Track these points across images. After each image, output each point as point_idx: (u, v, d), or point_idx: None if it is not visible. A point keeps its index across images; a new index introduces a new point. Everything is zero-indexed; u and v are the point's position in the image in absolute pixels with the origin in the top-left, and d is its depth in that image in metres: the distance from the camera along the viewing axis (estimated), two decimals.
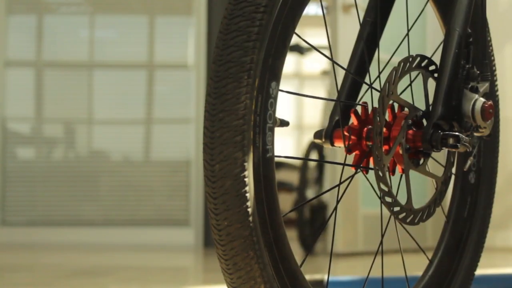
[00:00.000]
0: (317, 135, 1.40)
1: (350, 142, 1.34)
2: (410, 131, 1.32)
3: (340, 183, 1.32)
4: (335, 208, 1.24)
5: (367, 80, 1.39)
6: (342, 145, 1.36)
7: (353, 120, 1.35)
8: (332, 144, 1.39)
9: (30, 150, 5.81)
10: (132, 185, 5.50)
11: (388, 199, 1.29)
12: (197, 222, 5.35)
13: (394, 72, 1.29)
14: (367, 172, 1.37)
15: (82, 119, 5.78)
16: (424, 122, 1.34)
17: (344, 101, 1.37)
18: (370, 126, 1.34)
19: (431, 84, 1.38)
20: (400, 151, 1.30)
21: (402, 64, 1.31)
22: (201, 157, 5.38)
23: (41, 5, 5.87)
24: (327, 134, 1.38)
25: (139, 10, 5.89)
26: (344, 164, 1.34)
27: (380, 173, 1.25)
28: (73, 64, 5.82)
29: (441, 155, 1.42)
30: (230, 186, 1.11)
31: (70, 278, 3.39)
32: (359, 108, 1.38)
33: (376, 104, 1.36)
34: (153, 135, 5.72)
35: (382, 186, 1.26)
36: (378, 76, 1.40)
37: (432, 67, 1.37)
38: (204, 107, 1.16)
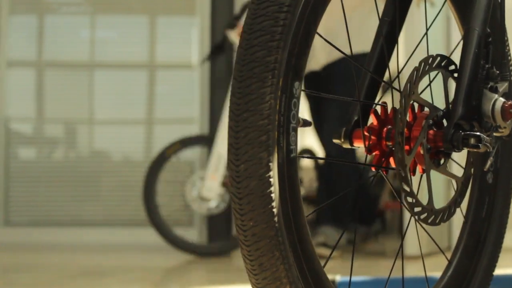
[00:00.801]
0: (336, 135, 1.39)
1: (370, 142, 1.33)
2: (431, 131, 1.32)
3: (359, 183, 1.32)
4: (355, 208, 1.23)
5: (386, 79, 1.38)
6: (361, 145, 1.36)
7: (372, 120, 1.35)
8: (352, 144, 1.38)
9: (31, 150, 5.80)
10: (134, 185, 5.48)
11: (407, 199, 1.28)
12: (200, 222, 5.34)
13: (415, 72, 1.29)
14: (386, 173, 1.36)
15: (83, 119, 5.77)
16: (444, 122, 1.33)
17: (364, 101, 1.37)
18: (389, 126, 1.34)
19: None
20: (421, 151, 1.30)
21: (423, 64, 1.31)
22: (204, 157, 5.37)
23: (41, 5, 5.86)
24: (346, 134, 1.38)
25: (141, 10, 5.88)
26: (365, 165, 1.34)
27: (402, 174, 1.25)
28: (74, 64, 5.81)
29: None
30: (255, 187, 1.11)
31: (74, 278, 3.38)
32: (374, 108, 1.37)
33: (394, 104, 1.35)
34: (155, 135, 5.71)
35: (404, 187, 1.25)
36: (397, 76, 1.39)
37: (451, 67, 1.36)
38: (228, 107, 1.16)
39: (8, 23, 5.72)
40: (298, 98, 1.18)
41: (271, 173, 1.11)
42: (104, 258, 4.37)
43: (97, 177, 5.69)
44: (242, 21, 4.72)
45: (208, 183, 4.37)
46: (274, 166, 1.12)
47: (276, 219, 1.12)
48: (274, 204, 1.11)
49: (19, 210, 5.56)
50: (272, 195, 1.11)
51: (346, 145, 1.39)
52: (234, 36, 4.57)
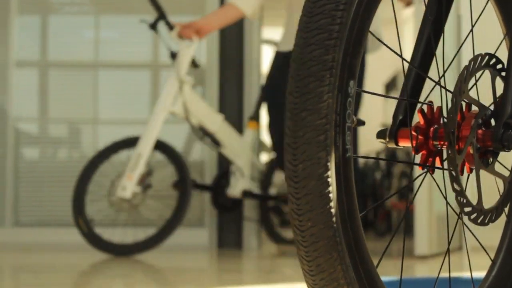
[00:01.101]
0: (381, 134, 1.38)
1: (416, 142, 1.32)
2: (480, 131, 1.31)
3: (410, 182, 1.31)
4: (407, 208, 1.23)
5: (433, 77, 1.38)
6: (407, 144, 1.35)
7: (419, 119, 1.34)
8: (397, 144, 1.37)
9: (36, 150, 5.78)
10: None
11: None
12: (211, 223, 5.32)
13: (466, 71, 1.28)
14: (433, 172, 1.35)
15: (87, 119, 5.75)
16: (492, 121, 1.33)
17: (412, 100, 1.35)
18: (436, 126, 1.33)
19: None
20: (471, 151, 1.29)
21: (472, 62, 1.30)
22: (213, 158, 5.35)
23: (45, 5, 5.83)
24: (391, 133, 1.37)
25: (145, 10, 5.86)
26: (413, 163, 1.33)
27: (454, 173, 1.24)
28: (78, 64, 5.79)
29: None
30: (314, 187, 1.10)
31: (84, 278, 3.36)
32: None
33: (440, 103, 1.35)
34: (159, 135, 5.68)
35: (455, 186, 1.24)
36: (443, 75, 1.38)
37: (499, 66, 1.36)
38: (285, 106, 1.14)
39: (16, 23, 5.70)
40: (353, 97, 1.17)
41: (329, 173, 1.10)
42: (117, 258, 4.36)
43: (101, 177, 5.66)
44: (176, 20, 4.68)
45: (123, 182, 4.35)
46: (332, 166, 1.11)
47: (334, 219, 1.11)
48: (332, 204, 1.11)
49: (27, 210, 5.53)
50: (331, 195, 1.10)
51: (392, 145, 1.38)
52: (175, 36, 4.56)
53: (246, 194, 4.87)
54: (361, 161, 5.66)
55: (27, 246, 4.83)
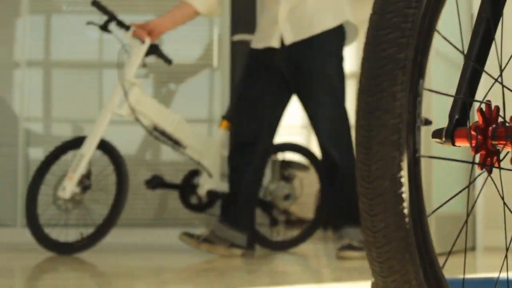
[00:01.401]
0: (436, 134, 1.37)
1: (476, 142, 1.31)
2: None
3: (470, 183, 1.29)
4: (469, 213, 1.21)
5: (493, 75, 1.36)
6: (465, 144, 1.34)
7: (478, 118, 1.32)
8: (453, 144, 1.36)
9: (40, 150, 5.75)
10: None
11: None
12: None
13: None
14: (490, 172, 1.34)
15: (91, 119, 5.72)
16: None
17: (470, 98, 1.34)
18: (494, 125, 1.32)
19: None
20: None
21: None
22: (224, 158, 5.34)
23: (49, 5, 5.81)
24: (447, 133, 1.35)
25: (149, 10, 5.84)
26: (473, 163, 1.32)
27: None
28: (82, 64, 5.76)
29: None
30: (388, 187, 1.09)
31: (99, 279, 3.35)
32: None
33: (500, 101, 1.34)
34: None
35: None
36: (501, 74, 1.37)
37: None
38: (356, 105, 1.13)
39: (19, 23, 5.67)
40: (421, 96, 1.16)
41: (402, 173, 1.09)
42: (118, 258, 4.34)
43: (105, 178, 5.64)
44: (135, 22, 4.63)
45: (64, 182, 4.36)
46: (404, 166, 1.10)
47: (407, 220, 1.09)
48: (405, 204, 1.09)
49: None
50: (404, 195, 1.09)
51: (448, 145, 1.36)
52: (130, 37, 4.52)
53: (211, 194, 4.79)
54: None
55: (38, 246, 4.78)
